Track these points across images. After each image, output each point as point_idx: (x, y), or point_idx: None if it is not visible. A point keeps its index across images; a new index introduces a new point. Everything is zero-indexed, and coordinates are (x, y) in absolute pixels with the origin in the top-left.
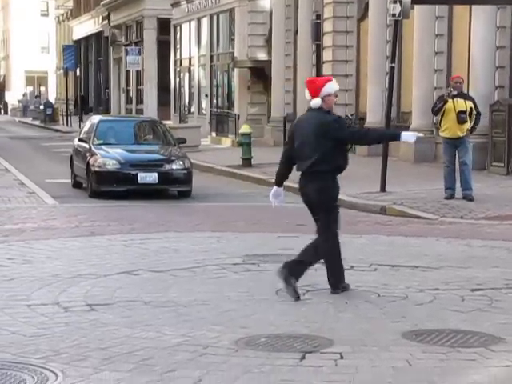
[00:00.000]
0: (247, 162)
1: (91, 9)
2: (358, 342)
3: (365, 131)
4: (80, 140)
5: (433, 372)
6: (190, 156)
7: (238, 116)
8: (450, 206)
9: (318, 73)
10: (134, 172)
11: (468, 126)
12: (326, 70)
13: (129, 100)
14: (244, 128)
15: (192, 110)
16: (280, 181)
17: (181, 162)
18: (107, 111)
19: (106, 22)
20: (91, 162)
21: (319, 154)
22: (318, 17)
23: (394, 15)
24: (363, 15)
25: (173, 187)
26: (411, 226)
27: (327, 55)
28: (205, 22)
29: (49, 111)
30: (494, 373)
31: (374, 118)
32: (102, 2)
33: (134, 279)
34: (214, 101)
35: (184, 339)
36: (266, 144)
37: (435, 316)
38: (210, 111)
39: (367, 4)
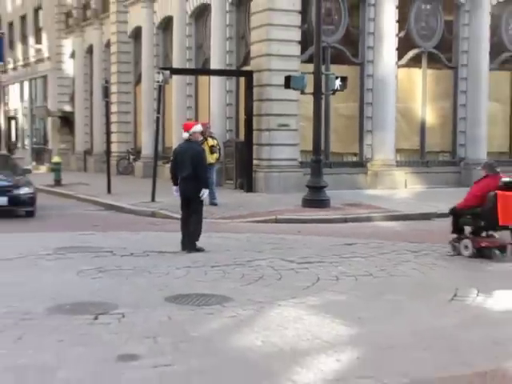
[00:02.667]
0: (58, 183)
1: None
2: (135, 305)
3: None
4: None
5: (185, 323)
6: None
7: (51, 150)
8: None
9: (108, 121)
10: None
11: (217, 156)
12: (113, 118)
13: None
14: (55, 158)
15: (18, 145)
16: (175, 183)
17: (27, 188)
18: None
19: None
20: None
21: (193, 168)
22: (107, 82)
23: (158, 82)
24: (138, 81)
25: (20, 208)
26: (172, 224)
27: (114, 108)
28: (26, 84)
29: None
30: (225, 321)
31: (146, 151)
32: None
33: None
34: (34, 139)
35: (10, 309)
36: (71, 170)
37: (187, 285)
38: (32, 147)
39: (140, 74)
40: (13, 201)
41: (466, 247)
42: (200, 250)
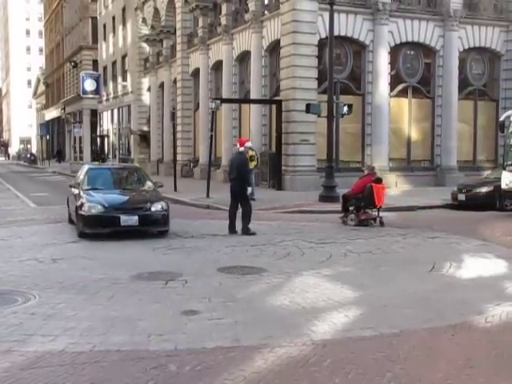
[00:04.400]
0: None
1: (55, 103)
2: (195, 274)
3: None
4: (72, 186)
5: (232, 287)
6: None
7: (133, 159)
8: None
9: (175, 138)
10: (116, 215)
11: (255, 163)
12: (178, 135)
13: (75, 151)
14: (136, 165)
15: (109, 156)
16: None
17: (159, 205)
18: (63, 158)
19: (63, 111)
20: (79, 204)
21: (238, 171)
22: (174, 109)
23: (211, 108)
24: (196, 108)
25: (152, 228)
26: (222, 214)
27: (178, 128)
28: (115, 111)
29: (32, 158)
30: (262, 286)
31: (203, 160)
32: (61, 101)
33: (76, 246)
34: (121, 151)
35: (104, 276)
36: (149, 173)
37: (234, 259)
38: (119, 157)
39: (198, 102)
40: (144, 220)
41: (352, 220)
42: (252, 233)
